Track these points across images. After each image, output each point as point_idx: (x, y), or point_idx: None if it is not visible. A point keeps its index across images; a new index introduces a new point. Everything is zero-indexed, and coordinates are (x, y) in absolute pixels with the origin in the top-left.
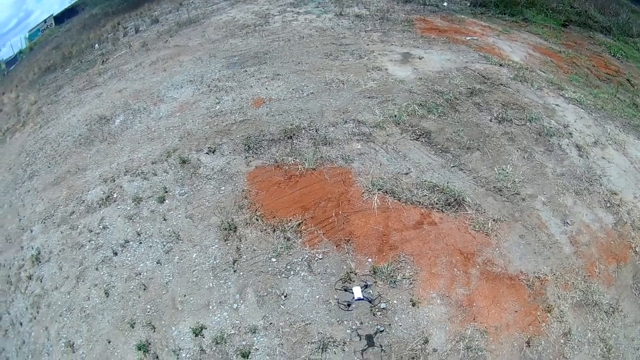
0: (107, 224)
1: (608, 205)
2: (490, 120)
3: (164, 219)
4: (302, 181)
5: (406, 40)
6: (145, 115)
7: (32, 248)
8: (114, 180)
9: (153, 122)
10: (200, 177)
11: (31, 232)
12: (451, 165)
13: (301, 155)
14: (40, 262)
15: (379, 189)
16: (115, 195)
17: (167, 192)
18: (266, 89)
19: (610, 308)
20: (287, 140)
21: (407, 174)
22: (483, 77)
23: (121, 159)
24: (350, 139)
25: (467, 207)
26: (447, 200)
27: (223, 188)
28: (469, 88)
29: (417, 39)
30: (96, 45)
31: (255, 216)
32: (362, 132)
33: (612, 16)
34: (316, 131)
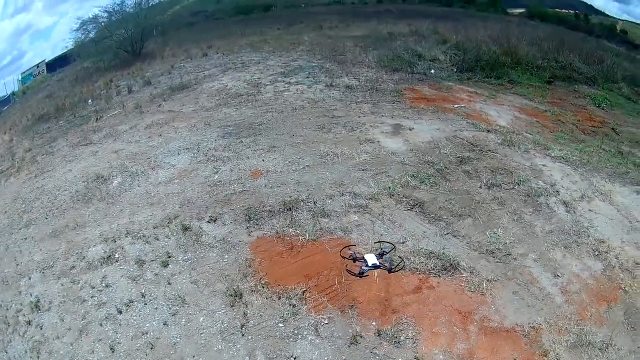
0: (110, 282)
1: (597, 253)
2: (480, 187)
3: (169, 283)
4: (304, 251)
5: (396, 112)
6: (143, 179)
7: (31, 295)
8: (115, 242)
9: (152, 187)
10: (203, 245)
11: (30, 279)
12: (445, 232)
13: (301, 227)
14: (40, 310)
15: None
16: (117, 256)
17: (170, 257)
18: (263, 160)
19: (604, 345)
20: (287, 212)
21: (404, 243)
22: (472, 144)
23: (122, 221)
24: (348, 211)
25: (462, 271)
26: (444, 265)
27: (227, 257)
28: (459, 157)
29: (407, 110)
30: (90, 101)
31: (261, 284)
32: (358, 204)
33: (597, 64)
34: (314, 204)
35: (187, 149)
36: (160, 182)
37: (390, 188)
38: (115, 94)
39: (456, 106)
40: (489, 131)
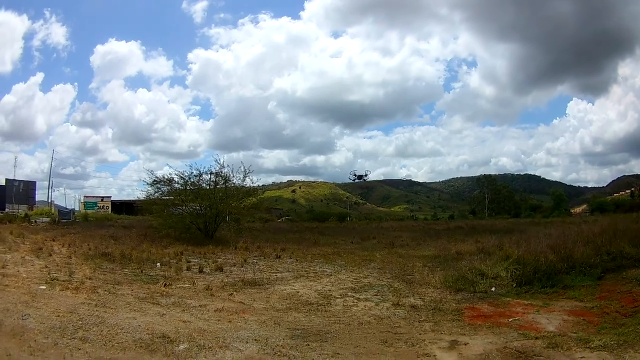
0: None
1: None
2: None
3: None
4: None
5: (455, 329)
6: (210, 354)
7: None
8: None
9: None
10: None
11: None
12: None
13: None
14: None
15: None
16: None
17: None
18: None
19: None
20: None
21: None
22: (519, 352)
23: None
24: None
25: None
26: None
27: None
28: None
29: (465, 327)
30: (158, 264)
31: None
32: None
33: None
34: None
35: (255, 339)
36: None
37: None
38: (185, 268)
39: (510, 320)
40: (536, 338)
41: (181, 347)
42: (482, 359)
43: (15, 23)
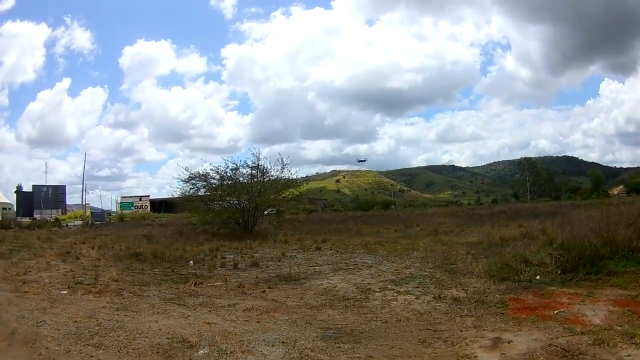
0: None
1: None
2: None
3: None
4: None
5: (498, 324)
6: (231, 359)
7: None
8: None
9: None
10: None
11: None
12: None
13: None
14: None
15: None
16: None
17: None
18: None
19: None
20: None
21: None
22: (565, 350)
23: None
24: None
25: None
26: None
27: None
28: None
29: (508, 322)
30: (191, 262)
31: None
32: None
33: None
34: None
35: (282, 342)
36: None
37: None
38: (220, 265)
39: (556, 312)
40: (582, 333)
41: (200, 352)
42: (526, 359)
43: (33, 32)
